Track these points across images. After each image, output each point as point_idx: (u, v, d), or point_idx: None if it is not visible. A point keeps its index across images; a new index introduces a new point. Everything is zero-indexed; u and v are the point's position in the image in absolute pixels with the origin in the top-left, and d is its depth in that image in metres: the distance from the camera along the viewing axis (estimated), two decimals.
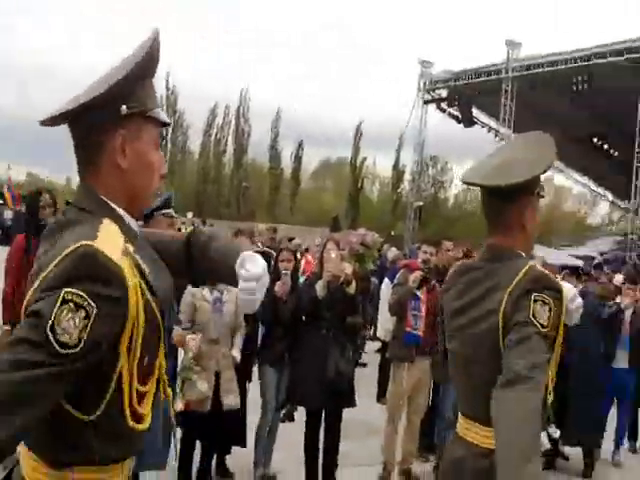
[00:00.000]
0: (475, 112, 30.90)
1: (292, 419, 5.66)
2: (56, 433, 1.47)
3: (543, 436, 6.39)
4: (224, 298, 4.83)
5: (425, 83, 30.80)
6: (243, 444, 5.30)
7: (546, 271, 2.12)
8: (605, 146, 32.33)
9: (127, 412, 1.51)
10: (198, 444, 4.93)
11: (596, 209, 52.22)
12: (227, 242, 1.83)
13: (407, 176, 47.15)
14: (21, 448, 1.52)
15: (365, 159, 50.52)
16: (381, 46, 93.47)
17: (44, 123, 1.52)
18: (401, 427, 5.85)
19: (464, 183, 2.24)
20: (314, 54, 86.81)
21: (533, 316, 1.97)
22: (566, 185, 49.34)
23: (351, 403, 5.14)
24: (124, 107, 1.49)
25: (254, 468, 5.39)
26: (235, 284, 1.69)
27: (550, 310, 2.00)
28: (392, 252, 12.48)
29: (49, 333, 1.31)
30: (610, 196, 40.71)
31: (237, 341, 4.95)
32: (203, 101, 59.51)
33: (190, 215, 26.80)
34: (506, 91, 26.83)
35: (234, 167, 52.12)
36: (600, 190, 39.90)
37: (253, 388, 5.53)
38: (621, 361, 6.72)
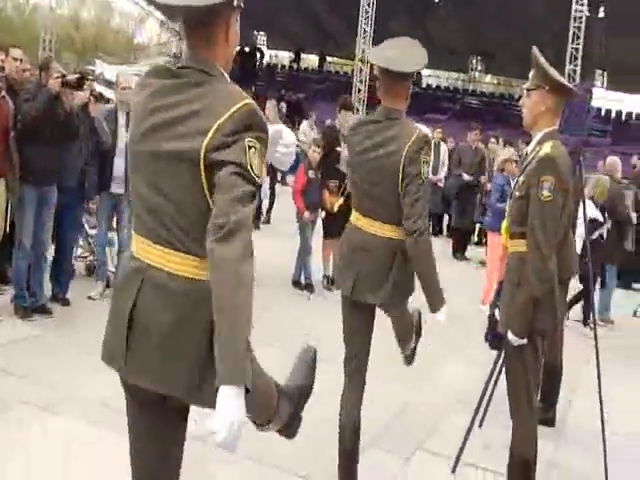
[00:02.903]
0: None
1: None
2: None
3: None
4: None
5: None
6: None
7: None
8: None
9: None
10: None
11: (143, 28, 52.15)
12: None
13: None
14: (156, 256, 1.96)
15: None
16: None
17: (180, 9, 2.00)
18: None
19: (373, 63, 3.19)
20: None
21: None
22: (112, 0, 48.24)
23: None
24: (236, 1, 2.01)
25: None
26: None
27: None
28: None
29: (250, 170, 1.86)
30: (160, 15, 41.02)
31: None
32: None
33: None
34: None
35: None
36: (151, 9, 39.88)
37: None
38: None
